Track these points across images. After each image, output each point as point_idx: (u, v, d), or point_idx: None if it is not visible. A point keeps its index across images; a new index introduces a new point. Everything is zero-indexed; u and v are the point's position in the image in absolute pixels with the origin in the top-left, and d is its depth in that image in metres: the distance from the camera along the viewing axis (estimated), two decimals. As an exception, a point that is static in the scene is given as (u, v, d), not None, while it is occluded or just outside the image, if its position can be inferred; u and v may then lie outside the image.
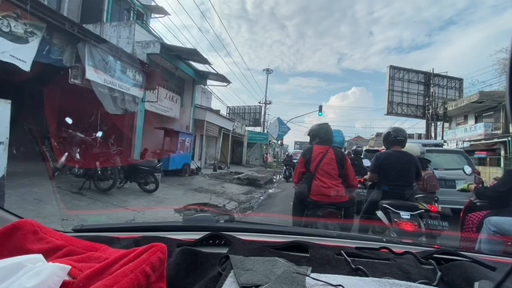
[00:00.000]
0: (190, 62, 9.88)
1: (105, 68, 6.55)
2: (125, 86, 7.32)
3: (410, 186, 2.74)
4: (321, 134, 2.74)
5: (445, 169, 5.23)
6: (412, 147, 3.49)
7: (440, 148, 6.73)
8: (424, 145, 4.72)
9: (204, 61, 9.15)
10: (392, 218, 2.40)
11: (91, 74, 6.11)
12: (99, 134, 5.53)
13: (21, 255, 0.44)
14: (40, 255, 0.45)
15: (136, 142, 7.90)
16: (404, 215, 2.38)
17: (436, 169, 4.47)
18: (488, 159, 16.77)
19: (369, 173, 3.06)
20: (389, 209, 2.45)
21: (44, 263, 0.44)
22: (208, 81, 12.11)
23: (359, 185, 3.54)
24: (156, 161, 6.64)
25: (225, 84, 11.77)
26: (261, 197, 7.60)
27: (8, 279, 0.39)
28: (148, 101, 8.20)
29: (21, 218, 0.70)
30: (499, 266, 0.64)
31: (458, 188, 2.61)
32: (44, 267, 0.42)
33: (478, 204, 2.66)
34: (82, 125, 6.52)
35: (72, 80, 5.93)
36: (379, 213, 2.58)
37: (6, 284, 0.38)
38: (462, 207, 5.13)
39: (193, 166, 11.09)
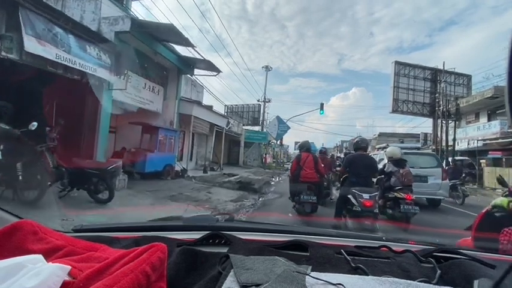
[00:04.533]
0: (172, 45, 8.45)
1: (54, 40, 5.15)
2: (88, 66, 5.93)
3: (370, 178, 4.14)
4: (306, 147, 5.02)
5: (420, 167, 6.73)
6: (395, 150, 4.82)
7: (417, 151, 8.78)
8: (403, 148, 6.35)
9: (186, 42, 7.69)
10: (358, 198, 3.60)
11: (32, 45, 4.72)
12: (34, 124, 4.10)
13: (21, 256, 0.43)
14: (40, 256, 0.45)
15: (100, 139, 6.42)
16: (366, 196, 3.58)
17: (413, 167, 5.52)
18: (503, 159, 15.43)
19: (341, 167, 4.92)
20: (357, 193, 3.64)
21: (44, 263, 0.43)
22: (197, 71, 10.70)
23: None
24: (119, 162, 5.20)
25: (215, 73, 10.34)
26: (256, 204, 6.25)
27: (8, 279, 0.38)
28: (116, 89, 6.74)
29: (21, 218, 0.70)
30: (499, 264, 0.63)
31: (492, 203, 2.10)
32: (44, 267, 0.41)
33: (497, 215, 2.08)
34: (26, 117, 5.11)
35: (3, 53, 4.54)
36: (350, 196, 3.71)
37: (7, 284, 0.38)
38: (433, 197, 7.04)
39: (178, 168, 9.68)
